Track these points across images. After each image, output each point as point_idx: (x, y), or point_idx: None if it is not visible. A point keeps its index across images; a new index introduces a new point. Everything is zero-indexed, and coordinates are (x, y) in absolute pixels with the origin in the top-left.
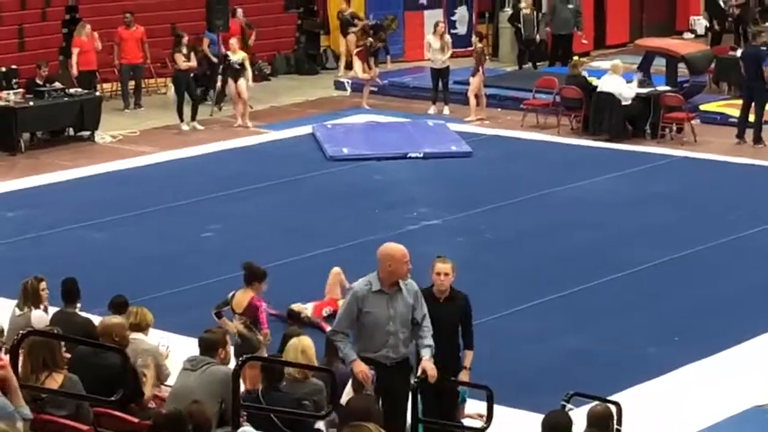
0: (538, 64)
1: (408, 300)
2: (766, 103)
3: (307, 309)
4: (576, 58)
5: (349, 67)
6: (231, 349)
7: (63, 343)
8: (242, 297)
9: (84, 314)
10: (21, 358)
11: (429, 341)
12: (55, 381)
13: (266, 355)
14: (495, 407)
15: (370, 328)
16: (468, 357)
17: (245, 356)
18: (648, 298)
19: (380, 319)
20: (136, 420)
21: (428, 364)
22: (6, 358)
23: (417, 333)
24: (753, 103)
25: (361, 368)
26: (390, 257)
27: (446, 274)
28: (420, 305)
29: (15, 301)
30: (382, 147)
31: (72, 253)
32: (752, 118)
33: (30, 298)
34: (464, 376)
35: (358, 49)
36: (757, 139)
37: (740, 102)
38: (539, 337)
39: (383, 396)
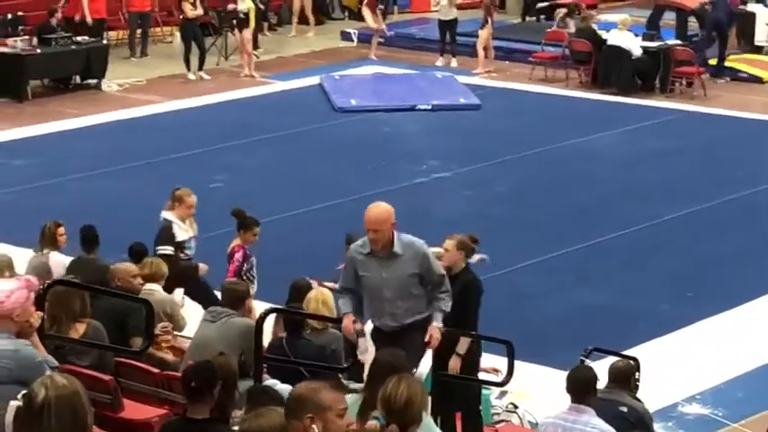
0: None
1: (410, 265)
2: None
3: None
4: (585, 10)
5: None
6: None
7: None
8: (232, 243)
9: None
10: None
11: (442, 305)
12: (76, 330)
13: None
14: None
15: (368, 292)
16: (461, 344)
17: (268, 308)
18: (659, 253)
19: (374, 283)
20: (156, 371)
21: (434, 332)
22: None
23: (432, 295)
24: None
25: (346, 323)
26: (365, 221)
27: (446, 250)
28: (430, 269)
29: (25, 249)
30: (390, 98)
31: (81, 201)
32: None
33: (47, 241)
34: (453, 363)
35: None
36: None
37: (752, 56)
38: (550, 292)
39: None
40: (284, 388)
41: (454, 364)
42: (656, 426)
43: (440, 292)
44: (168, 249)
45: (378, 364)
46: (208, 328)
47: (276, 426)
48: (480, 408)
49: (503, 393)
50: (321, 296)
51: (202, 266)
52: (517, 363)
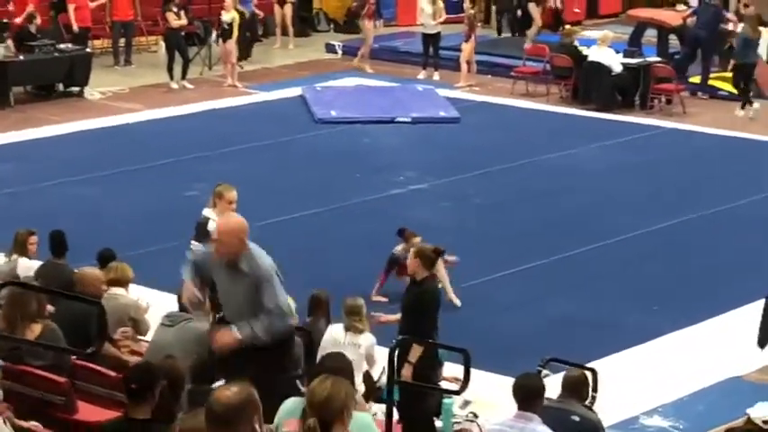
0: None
1: (249, 288)
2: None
3: None
4: (567, 26)
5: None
6: None
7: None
8: None
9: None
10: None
11: (255, 325)
12: (32, 331)
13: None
14: (474, 371)
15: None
16: (413, 352)
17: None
18: (631, 266)
19: (220, 289)
20: (112, 374)
21: (224, 335)
22: None
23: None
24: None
25: (188, 286)
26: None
27: (409, 258)
28: (262, 296)
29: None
30: (371, 110)
31: (59, 208)
32: None
33: (18, 248)
34: (405, 371)
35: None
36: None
37: (729, 74)
38: (521, 303)
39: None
40: None
41: (406, 372)
42: None
43: (261, 316)
44: (196, 245)
45: (321, 368)
46: (165, 332)
47: None
48: (441, 417)
49: (466, 403)
50: None
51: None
52: (483, 373)
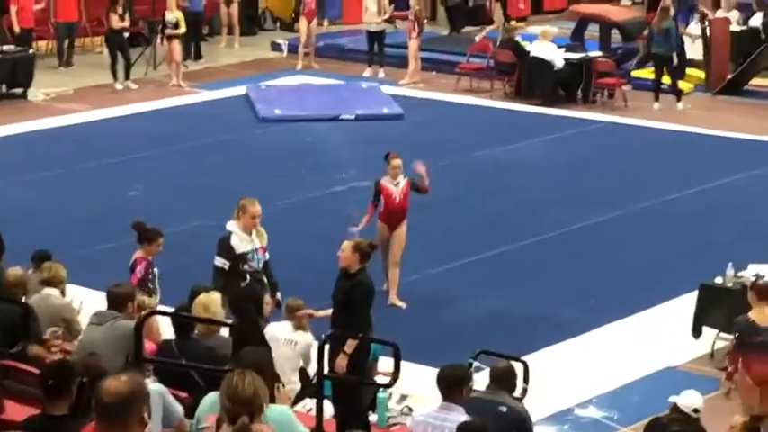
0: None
1: None
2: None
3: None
4: (511, 22)
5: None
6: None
7: None
8: (135, 255)
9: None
10: None
11: None
12: None
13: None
14: (411, 365)
15: None
16: (349, 343)
17: (146, 311)
18: (568, 261)
19: None
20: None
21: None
22: None
23: None
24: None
25: None
26: None
27: (342, 251)
28: None
29: None
30: (315, 108)
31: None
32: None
33: None
34: (339, 360)
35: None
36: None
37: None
38: (459, 298)
39: None
40: (154, 388)
41: (340, 362)
42: (550, 429)
43: None
44: (220, 261)
45: (240, 363)
46: (94, 331)
47: None
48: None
49: (403, 397)
50: (202, 302)
51: (268, 300)
52: (420, 367)
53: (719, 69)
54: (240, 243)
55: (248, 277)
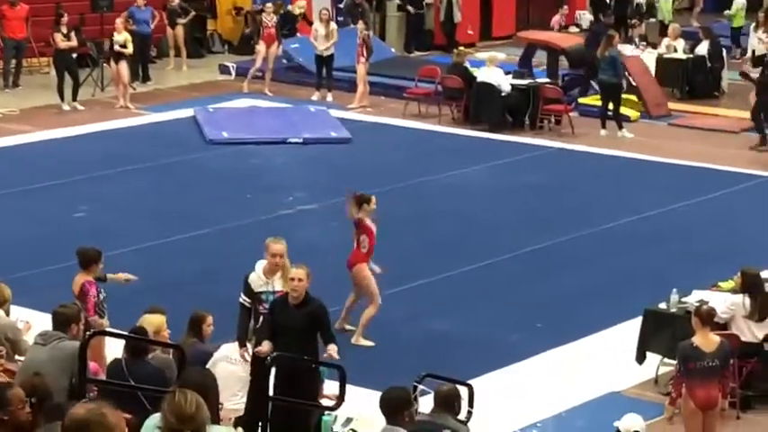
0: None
1: None
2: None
3: None
4: (460, 48)
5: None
6: None
7: None
8: (78, 279)
9: None
10: None
11: None
12: None
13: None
14: (356, 388)
15: None
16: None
17: (91, 331)
18: (514, 285)
19: None
20: None
21: None
22: None
23: None
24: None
25: None
26: None
27: (300, 280)
28: None
29: None
30: (262, 131)
31: None
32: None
33: None
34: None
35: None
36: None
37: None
38: (403, 322)
39: None
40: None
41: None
42: None
43: None
44: (241, 298)
45: (184, 383)
46: (38, 351)
47: None
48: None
49: (348, 420)
50: (145, 322)
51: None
52: (365, 390)
53: (652, 97)
54: (257, 281)
55: (261, 319)
